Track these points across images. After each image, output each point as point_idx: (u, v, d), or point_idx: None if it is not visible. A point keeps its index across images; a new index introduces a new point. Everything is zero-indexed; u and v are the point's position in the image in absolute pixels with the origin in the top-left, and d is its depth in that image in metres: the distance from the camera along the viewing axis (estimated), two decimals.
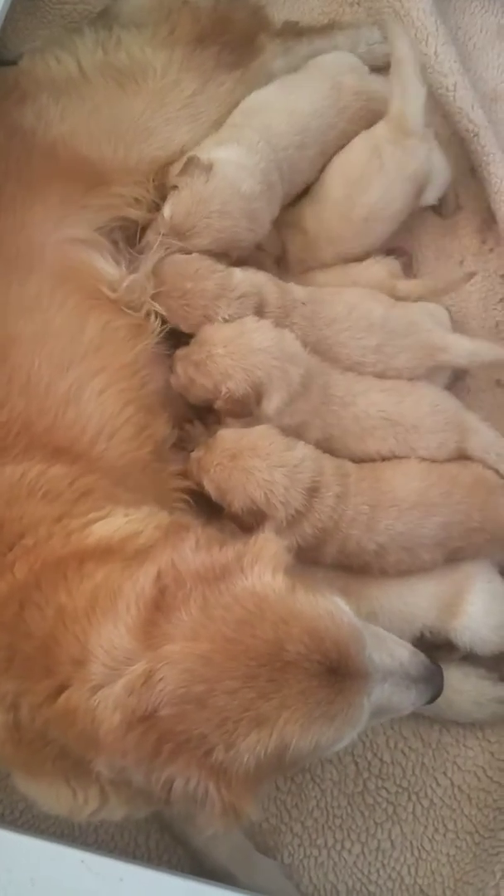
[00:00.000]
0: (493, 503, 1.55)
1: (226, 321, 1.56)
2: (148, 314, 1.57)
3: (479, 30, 2.02)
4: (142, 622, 0.99)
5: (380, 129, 1.72)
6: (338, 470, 1.50)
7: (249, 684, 0.95)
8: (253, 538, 1.09)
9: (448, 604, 1.51)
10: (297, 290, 1.64)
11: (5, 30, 1.85)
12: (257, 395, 1.52)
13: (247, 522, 1.42)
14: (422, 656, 1.17)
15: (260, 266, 1.67)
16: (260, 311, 1.58)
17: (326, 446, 1.54)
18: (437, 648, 1.58)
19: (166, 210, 1.56)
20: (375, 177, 1.70)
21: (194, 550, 1.05)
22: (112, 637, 0.99)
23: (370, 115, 1.75)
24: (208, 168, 1.54)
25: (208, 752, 0.95)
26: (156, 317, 1.57)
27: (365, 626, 1.13)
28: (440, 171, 1.78)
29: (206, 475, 1.47)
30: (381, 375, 1.63)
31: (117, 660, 0.98)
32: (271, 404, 1.51)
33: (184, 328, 1.58)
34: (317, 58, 1.83)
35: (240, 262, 1.62)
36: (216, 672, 0.95)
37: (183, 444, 1.55)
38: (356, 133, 1.75)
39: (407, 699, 1.13)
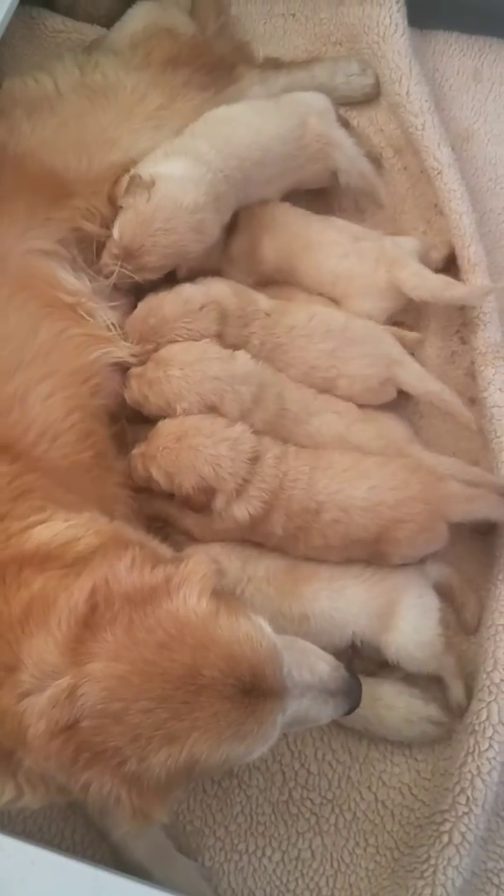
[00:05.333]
0: (436, 486, 1.57)
1: (188, 334, 1.63)
2: (108, 328, 1.63)
3: (456, 72, 2.11)
4: (70, 639, 1.04)
5: (388, 243, 1.79)
6: (276, 443, 1.58)
7: (163, 705, 1.01)
8: (184, 561, 1.14)
9: (379, 614, 1.53)
10: (262, 301, 1.71)
11: (1, 55, 1.97)
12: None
13: (198, 502, 1.51)
14: (342, 670, 1.20)
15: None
16: (223, 320, 1.65)
17: None
18: (379, 667, 1.62)
19: (115, 232, 1.60)
20: (333, 254, 1.78)
21: (129, 569, 1.10)
22: (42, 651, 1.05)
23: (328, 159, 1.82)
24: (150, 185, 1.58)
25: (122, 762, 1.01)
26: (115, 328, 1.63)
27: (291, 641, 1.18)
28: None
29: (153, 462, 1.53)
30: (332, 383, 1.70)
31: (45, 672, 1.04)
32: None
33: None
34: (293, 93, 1.89)
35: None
36: (133, 692, 1.01)
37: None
38: (315, 171, 1.83)
39: (324, 712, 1.18)
